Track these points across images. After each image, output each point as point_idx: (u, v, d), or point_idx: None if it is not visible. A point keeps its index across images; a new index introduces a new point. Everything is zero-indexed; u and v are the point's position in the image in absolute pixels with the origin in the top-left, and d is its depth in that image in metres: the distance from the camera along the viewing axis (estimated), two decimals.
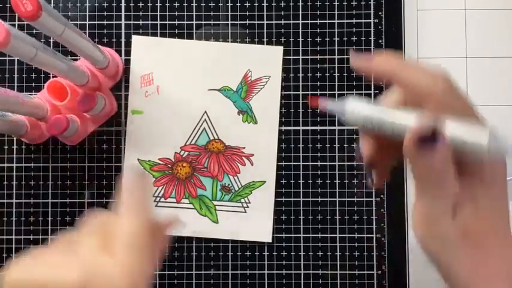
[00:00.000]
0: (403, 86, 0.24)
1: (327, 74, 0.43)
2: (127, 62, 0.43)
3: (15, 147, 0.43)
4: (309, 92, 0.43)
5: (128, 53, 0.43)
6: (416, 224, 0.23)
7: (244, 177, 0.43)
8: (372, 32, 0.43)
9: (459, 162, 0.23)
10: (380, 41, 0.43)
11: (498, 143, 0.21)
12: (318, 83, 0.43)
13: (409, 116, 0.23)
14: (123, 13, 0.44)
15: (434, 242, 0.23)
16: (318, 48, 0.43)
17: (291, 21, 0.43)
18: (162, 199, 0.43)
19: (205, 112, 0.43)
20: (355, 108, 0.24)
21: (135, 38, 0.43)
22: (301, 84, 0.43)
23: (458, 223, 0.23)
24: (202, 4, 0.43)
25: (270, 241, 0.43)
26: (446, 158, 0.22)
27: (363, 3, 0.43)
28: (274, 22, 0.43)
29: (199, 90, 0.43)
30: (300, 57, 0.43)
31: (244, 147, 0.43)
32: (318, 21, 0.43)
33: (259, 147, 0.43)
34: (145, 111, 0.43)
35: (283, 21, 0.43)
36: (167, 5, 0.43)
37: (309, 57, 0.43)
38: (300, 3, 0.43)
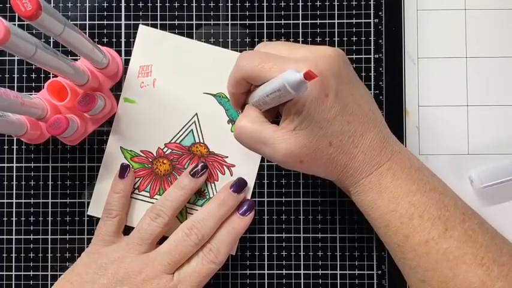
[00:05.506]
0: (245, 79, 0.34)
1: None
2: (127, 62, 0.43)
3: (15, 147, 0.43)
4: None
5: (128, 53, 0.43)
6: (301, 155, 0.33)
7: (220, 185, 0.43)
8: (372, 32, 0.43)
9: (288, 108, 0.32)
10: (380, 41, 0.43)
11: (294, 82, 0.27)
12: None
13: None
14: (123, 13, 0.44)
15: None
16: None
17: (291, 21, 0.43)
18: (136, 191, 0.43)
19: (196, 114, 0.43)
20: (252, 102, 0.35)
21: (141, 28, 0.43)
22: None
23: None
24: (202, 4, 0.44)
25: (233, 253, 0.43)
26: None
27: (362, 3, 0.43)
28: (274, 22, 0.43)
29: (195, 92, 0.43)
30: None
31: (227, 157, 0.43)
32: (318, 21, 0.43)
33: (242, 159, 0.43)
34: (138, 101, 0.43)
35: (283, 21, 0.43)
36: (167, 5, 0.43)
37: None
38: (300, 3, 0.43)
